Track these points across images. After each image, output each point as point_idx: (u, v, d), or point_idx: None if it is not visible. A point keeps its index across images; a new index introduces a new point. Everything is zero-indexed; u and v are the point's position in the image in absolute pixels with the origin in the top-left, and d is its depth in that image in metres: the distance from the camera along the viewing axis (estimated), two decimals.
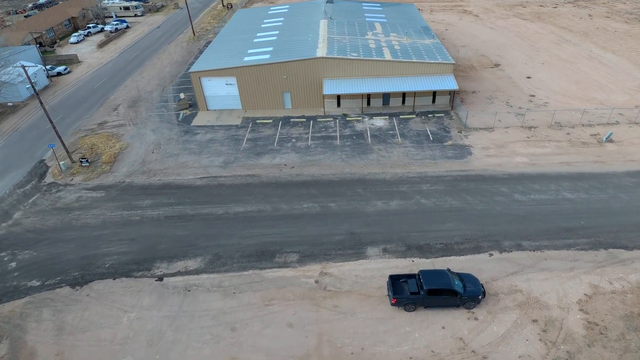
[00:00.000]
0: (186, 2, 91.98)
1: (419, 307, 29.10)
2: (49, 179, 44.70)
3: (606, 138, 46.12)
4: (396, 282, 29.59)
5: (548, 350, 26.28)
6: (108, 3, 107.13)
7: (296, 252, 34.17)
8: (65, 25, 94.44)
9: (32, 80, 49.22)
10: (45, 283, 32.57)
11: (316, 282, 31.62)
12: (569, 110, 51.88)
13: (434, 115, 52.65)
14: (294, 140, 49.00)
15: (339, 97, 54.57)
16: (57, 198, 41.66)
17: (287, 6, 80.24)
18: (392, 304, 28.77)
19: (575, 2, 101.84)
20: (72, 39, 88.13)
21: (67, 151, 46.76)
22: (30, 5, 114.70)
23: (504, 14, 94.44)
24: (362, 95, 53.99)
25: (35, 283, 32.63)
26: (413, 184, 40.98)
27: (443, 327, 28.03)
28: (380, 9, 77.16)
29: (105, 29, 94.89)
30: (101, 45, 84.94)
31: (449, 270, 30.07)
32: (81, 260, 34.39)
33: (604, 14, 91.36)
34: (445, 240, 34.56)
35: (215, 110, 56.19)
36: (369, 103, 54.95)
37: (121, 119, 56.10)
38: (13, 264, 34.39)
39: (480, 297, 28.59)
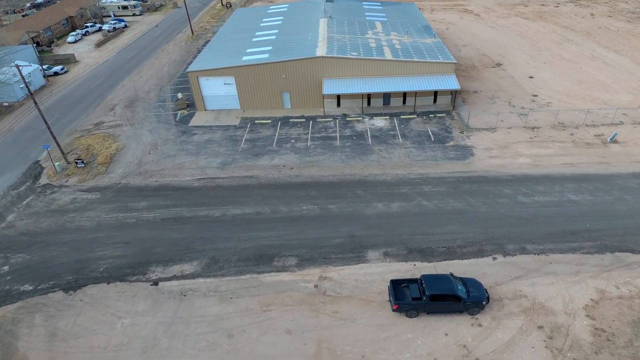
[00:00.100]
0: (185, 1, 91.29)
1: (421, 313, 28.36)
2: (43, 180, 43.95)
3: (610, 139, 45.38)
4: (398, 287, 28.87)
5: (554, 358, 25.53)
6: (106, 2, 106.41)
7: (295, 255, 33.40)
8: (63, 24, 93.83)
9: (27, 80, 48.54)
10: (38, 287, 31.84)
11: (315, 286, 30.85)
12: (573, 111, 51.15)
13: (435, 116, 51.90)
14: (293, 140, 48.24)
15: (338, 97, 53.81)
16: (51, 200, 40.92)
17: (287, 5, 79.55)
18: (394, 310, 28.05)
19: (577, 1, 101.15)
20: (70, 39, 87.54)
21: (62, 152, 46.03)
22: (28, 4, 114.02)
23: (505, 13, 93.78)
24: (362, 95, 53.24)
25: (28, 287, 31.89)
26: (414, 186, 40.24)
27: (446, 334, 27.29)
28: (381, 7, 76.46)
29: (103, 28, 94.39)
30: (99, 44, 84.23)
31: (451, 274, 29.33)
32: (75, 264, 33.65)
33: (606, 13, 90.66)
34: (448, 243, 33.82)
35: (213, 110, 55.43)
36: (369, 103, 54.20)
37: (118, 119, 55.36)
38: (5, 268, 33.66)
39: (484, 302, 27.84)
